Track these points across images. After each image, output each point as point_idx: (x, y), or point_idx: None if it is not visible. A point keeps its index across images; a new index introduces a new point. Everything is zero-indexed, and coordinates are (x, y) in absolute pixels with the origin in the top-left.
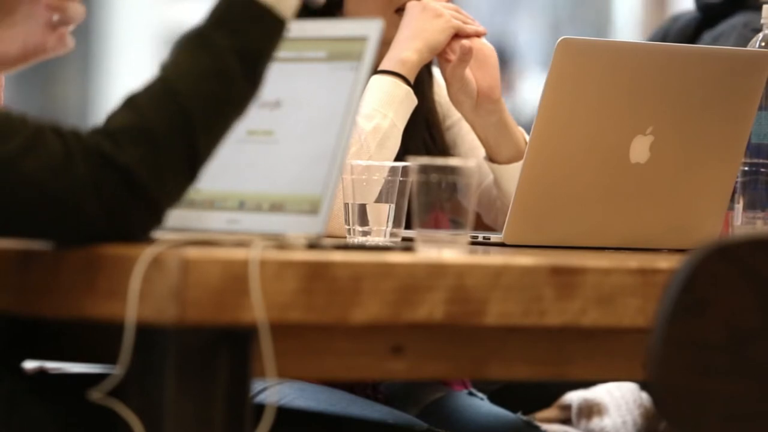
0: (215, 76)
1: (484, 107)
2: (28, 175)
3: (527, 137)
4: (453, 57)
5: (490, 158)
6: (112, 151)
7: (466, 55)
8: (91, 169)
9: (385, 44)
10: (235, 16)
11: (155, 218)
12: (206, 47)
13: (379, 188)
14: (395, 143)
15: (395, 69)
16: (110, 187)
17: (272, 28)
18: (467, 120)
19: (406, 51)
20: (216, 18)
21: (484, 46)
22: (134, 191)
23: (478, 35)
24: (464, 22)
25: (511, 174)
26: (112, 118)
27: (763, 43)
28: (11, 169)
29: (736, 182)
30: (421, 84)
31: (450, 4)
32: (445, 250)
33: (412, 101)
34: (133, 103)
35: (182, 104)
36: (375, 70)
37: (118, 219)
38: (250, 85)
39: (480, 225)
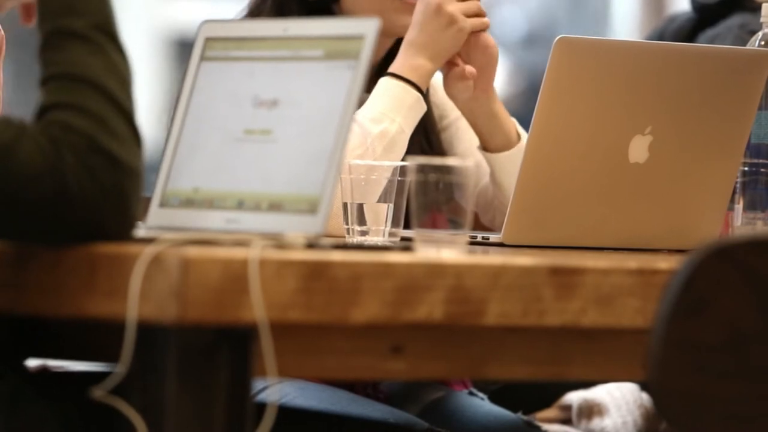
0: (97, 54)
1: (476, 100)
2: (22, 164)
3: (519, 128)
4: (460, 63)
5: (484, 147)
6: (92, 133)
7: (471, 75)
8: (77, 156)
9: (385, 35)
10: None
11: (139, 185)
12: (72, 37)
13: (382, 189)
14: (402, 149)
15: (407, 75)
16: (100, 168)
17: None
18: (459, 108)
19: (420, 58)
20: (54, 12)
21: (488, 41)
22: (112, 161)
23: (483, 29)
24: (476, 14)
25: (503, 163)
26: (49, 127)
27: (762, 42)
28: (5, 157)
29: (736, 182)
30: None
31: None
32: (444, 250)
33: (422, 108)
34: (52, 105)
35: (94, 83)
36: (374, 68)
37: (116, 198)
38: (120, 51)
39: (477, 225)
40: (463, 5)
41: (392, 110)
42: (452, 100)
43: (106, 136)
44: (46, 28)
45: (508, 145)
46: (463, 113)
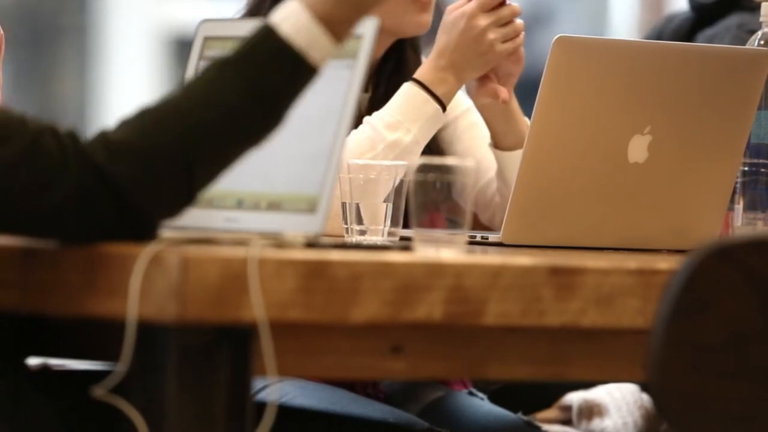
0: (225, 111)
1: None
2: (21, 184)
3: None
4: (493, 78)
5: (495, 144)
6: (106, 163)
7: (504, 101)
8: (83, 180)
9: (392, 33)
10: (264, 56)
11: (144, 231)
12: (224, 80)
13: (387, 190)
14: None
15: (434, 87)
16: (99, 200)
17: (299, 75)
18: (476, 106)
19: (449, 74)
20: (245, 53)
21: (518, 56)
22: (123, 206)
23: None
24: (514, 37)
25: (514, 162)
26: (121, 127)
27: (762, 42)
28: (5, 176)
29: (736, 182)
30: None
31: (505, 13)
32: (443, 249)
33: (440, 121)
34: (143, 117)
35: (187, 130)
36: (373, 67)
37: (104, 230)
38: (263, 124)
39: (476, 224)
40: (503, 31)
41: (410, 120)
42: (473, 101)
43: (128, 176)
44: (227, 59)
45: (520, 144)
46: (480, 111)
